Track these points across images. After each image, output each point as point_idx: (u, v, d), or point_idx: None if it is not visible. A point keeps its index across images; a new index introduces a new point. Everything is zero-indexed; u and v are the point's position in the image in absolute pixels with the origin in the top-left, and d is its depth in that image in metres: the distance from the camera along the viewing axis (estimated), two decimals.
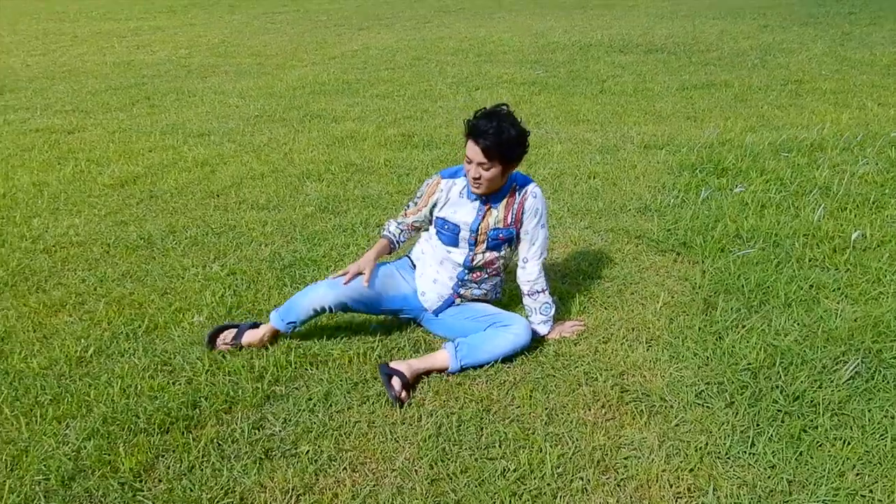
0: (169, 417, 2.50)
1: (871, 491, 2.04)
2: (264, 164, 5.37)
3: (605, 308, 3.12)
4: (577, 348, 2.83)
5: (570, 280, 3.40)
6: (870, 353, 2.65)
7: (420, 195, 2.83)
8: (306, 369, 2.77)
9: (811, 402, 2.40)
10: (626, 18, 13.09)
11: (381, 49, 10.58)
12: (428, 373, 2.70)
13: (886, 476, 2.09)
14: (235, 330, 2.91)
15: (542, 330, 2.84)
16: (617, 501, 2.07)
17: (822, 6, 13.86)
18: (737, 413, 2.38)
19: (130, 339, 3.04)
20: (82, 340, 3.02)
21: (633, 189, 4.56)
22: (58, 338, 3.07)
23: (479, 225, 2.75)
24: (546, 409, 2.48)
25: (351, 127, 6.33)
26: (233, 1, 18.67)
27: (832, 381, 2.50)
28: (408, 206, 2.89)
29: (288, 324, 2.82)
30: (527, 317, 2.85)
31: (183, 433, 2.43)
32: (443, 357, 2.70)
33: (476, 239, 2.78)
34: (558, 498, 2.09)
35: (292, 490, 2.17)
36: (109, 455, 2.33)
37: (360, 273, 2.76)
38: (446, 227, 2.80)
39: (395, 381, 2.57)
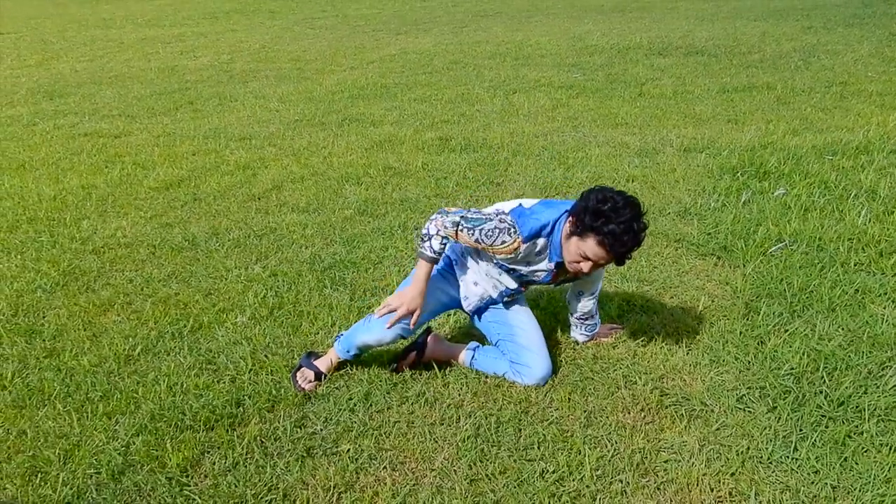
0: (214, 415, 2.56)
1: None
2: (304, 167, 5.45)
3: (645, 312, 3.11)
4: (616, 351, 2.82)
5: (609, 283, 3.39)
6: None
7: (489, 238, 2.37)
8: (347, 370, 2.81)
9: (856, 407, 2.37)
10: (665, 21, 12.97)
11: (418, 53, 10.65)
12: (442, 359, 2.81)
13: None
14: (311, 372, 2.75)
15: (581, 339, 2.87)
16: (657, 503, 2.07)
17: (869, 6, 13.56)
18: (779, 418, 2.36)
19: (176, 339, 3.11)
20: (130, 339, 3.11)
21: (673, 192, 4.52)
22: (107, 336, 3.16)
23: (549, 281, 2.59)
24: (585, 411, 2.49)
25: (389, 131, 6.38)
26: (273, 7, 18.95)
27: (878, 387, 2.46)
28: (461, 228, 2.41)
29: (352, 354, 2.74)
30: (568, 325, 2.88)
31: (227, 430, 2.49)
32: (461, 357, 2.81)
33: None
34: (597, 500, 2.09)
35: (334, 488, 2.21)
36: (157, 451, 2.40)
37: (409, 314, 2.50)
38: (512, 271, 2.59)
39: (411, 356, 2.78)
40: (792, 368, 2.58)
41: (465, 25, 13.82)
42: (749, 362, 2.67)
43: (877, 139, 5.19)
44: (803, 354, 2.66)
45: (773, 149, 5.14)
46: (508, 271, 2.59)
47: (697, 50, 9.69)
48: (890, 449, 2.18)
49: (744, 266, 3.41)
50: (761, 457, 2.21)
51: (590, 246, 2.24)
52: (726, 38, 10.51)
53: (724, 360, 2.71)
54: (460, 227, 2.41)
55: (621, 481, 2.16)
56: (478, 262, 2.65)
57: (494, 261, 2.56)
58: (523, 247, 2.39)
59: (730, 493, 2.09)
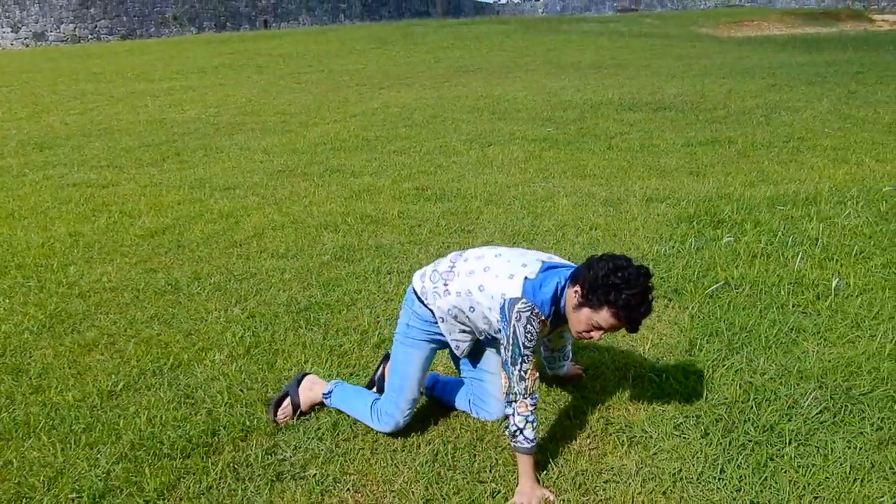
0: (190, 444, 2.75)
1: None
2: (285, 215, 5.71)
3: (597, 349, 3.34)
4: (568, 386, 3.04)
5: None
6: (839, 389, 2.83)
7: (532, 340, 2.32)
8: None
9: (779, 433, 2.59)
10: (637, 78, 13.52)
11: (400, 107, 11.04)
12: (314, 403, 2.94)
13: (842, 499, 2.27)
14: (290, 407, 2.89)
15: (553, 371, 2.93)
16: None
17: (831, 66, 14.20)
18: (710, 443, 2.58)
19: (157, 375, 3.30)
20: (113, 376, 3.30)
21: (632, 240, 4.80)
22: (90, 374, 3.34)
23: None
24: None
25: (368, 181, 6.67)
26: (261, 62, 19.47)
27: (800, 415, 2.69)
28: (523, 367, 2.33)
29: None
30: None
31: (203, 458, 2.67)
32: (325, 388, 2.93)
33: None
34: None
35: None
36: (136, 477, 2.58)
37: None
38: None
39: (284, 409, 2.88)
40: (725, 399, 2.82)
41: (446, 80, 14.31)
42: (688, 394, 2.90)
43: (825, 191, 5.52)
44: (737, 386, 2.90)
45: (729, 199, 5.46)
46: None
47: (665, 106, 10.14)
48: (806, 469, 2.41)
49: (691, 307, 3.66)
50: (691, 477, 2.42)
51: (604, 318, 2.21)
52: (694, 95, 11.00)
53: (665, 391, 2.93)
54: (524, 370, 2.33)
55: (564, 500, 2.36)
56: (467, 323, 2.56)
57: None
58: (548, 322, 2.38)
59: None
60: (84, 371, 3.38)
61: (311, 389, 2.93)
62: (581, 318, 2.27)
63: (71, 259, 4.90)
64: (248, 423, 2.87)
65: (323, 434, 2.79)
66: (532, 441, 2.36)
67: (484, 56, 19.18)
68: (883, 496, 2.27)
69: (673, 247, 4.54)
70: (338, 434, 2.79)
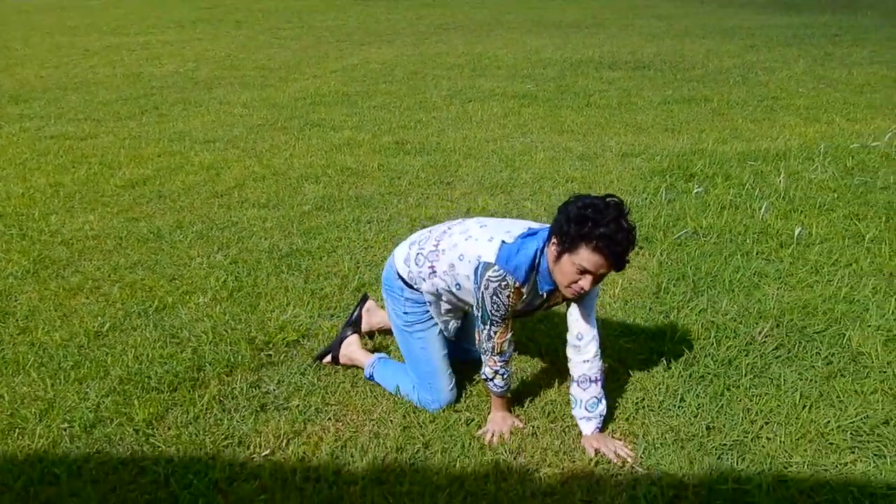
0: (177, 379, 2.86)
1: (773, 433, 2.40)
2: (266, 167, 5.75)
3: None
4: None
5: None
6: (794, 328, 3.00)
7: (501, 307, 2.26)
8: (299, 341, 3.12)
9: (737, 366, 2.76)
10: (618, 37, 13.52)
11: (380, 63, 11.00)
12: (353, 363, 2.91)
13: (790, 423, 2.44)
14: (329, 355, 2.94)
15: (585, 428, 2.42)
16: (561, 443, 2.42)
17: (809, 28, 14.28)
18: (672, 375, 2.73)
19: (142, 317, 3.39)
20: (99, 318, 3.38)
21: (607, 191, 4.88)
22: (77, 316, 3.42)
23: (540, 306, 2.47)
24: None
25: (348, 135, 6.71)
26: (239, 17, 19.15)
27: (757, 350, 2.85)
28: (492, 331, 2.31)
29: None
30: (571, 407, 2.47)
31: (189, 391, 2.78)
32: (368, 361, 2.85)
33: None
34: (512, 441, 2.44)
35: (283, 435, 2.52)
36: (125, 408, 2.69)
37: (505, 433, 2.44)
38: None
39: (328, 357, 2.92)
40: (688, 336, 2.97)
41: (426, 37, 14.21)
42: (654, 334, 3.05)
43: (795, 147, 5.67)
44: (700, 325, 3.05)
45: (702, 154, 5.59)
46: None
47: (644, 65, 10.21)
48: (759, 398, 2.57)
49: (660, 254, 3.81)
50: (653, 406, 2.58)
51: (584, 257, 2.09)
52: (673, 55, 11.06)
53: (632, 331, 3.08)
54: (493, 333, 2.31)
55: (534, 425, 2.51)
56: (454, 301, 2.53)
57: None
58: (525, 289, 2.27)
59: (624, 434, 2.46)
60: (70, 313, 3.46)
61: (349, 346, 2.91)
62: (564, 269, 2.15)
63: (52, 208, 4.94)
64: (232, 359, 2.98)
65: (305, 369, 2.91)
66: (503, 387, 2.42)
67: (465, 13, 19.01)
68: (828, 421, 2.44)
69: (646, 198, 4.67)
70: (320, 370, 2.91)
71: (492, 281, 2.22)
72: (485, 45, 12.87)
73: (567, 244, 2.11)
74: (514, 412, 2.57)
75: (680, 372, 2.75)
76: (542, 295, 2.36)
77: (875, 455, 2.30)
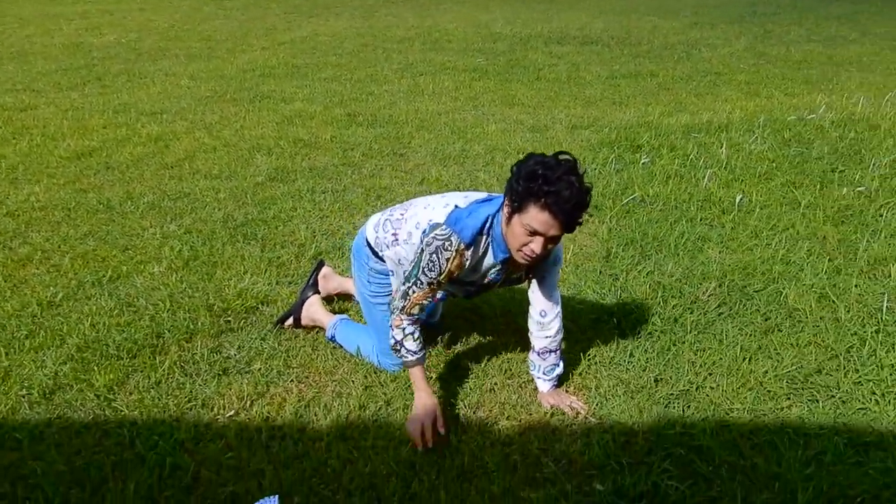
0: (136, 346, 2.86)
1: (716, 383, 2.55)
2: (216, 139, 5.69)
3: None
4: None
5: None
6: (736, 287, 3.17)
7: (435, 267, 2.19)
8: (258, 308, 3.15)
9: (682, 323, 2.91)
10: (567, 12, 13.65)
11: (329, 36, 10.89)
12: (314, 324, 2.97)
13: (731, 373, 2.60)
14: (290, 318, 2.96)
15: (541, 386, 2.50)
16: (519, 398, 2.52)
17: (751, 6, 14.66)
18: (622, 333, 2.86)
19: (96, 287, 3.36)
20: (51, 288, 3.34)
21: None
22: (28, 286, 3.37)
23: (498, 283, 2.40)
24: (466, 336, 2.92)
25: (299, 107, 6.67)
26: None
27: (701, 308, 3.01)
28: (412, 292, 2.24)
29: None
30: (528, 367, 2.55)
31: (149, 357, 2.79)
32: (329, 322, 2.88)
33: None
34: (471, 394, 2.53)
35: (247, 397, 2.56)
36: (85, 375, 2.68)
37: (433, 428, 2.26)
38: (464, 290, 2.43)
39: (289, 321, 2.96)
40: (637, 297, 3.11)
41: (376, 10, 14.10)
42: (604, 294, 3.17)
43: (736, 120, 5.87)
44: (647, 287, 3.19)
45: (648, 127, 5.75)
46: (458, 291, 2.42)
47: (593, 40, 10.36)
48: (703, 352, 2.72)
49: (609, 221, 3.94)
50: (604, 361, 2.70)
51: (533, 216, 1.99)
52: (620, 30, 11.24)
53: (583, 293, 3.20)
54: (410, 292, 2.23)
55: (493, 381, 2.61)
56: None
57: (447, 290, 2.34)
58: (468, 253, 2.20)
59: (578, 388, 2.57)
60: (20, 283, 3.40)
61: (311, 307, 2.95)
62: (514, 231, 2.06)
63: None
64: (191, 326, 2.99)
65: (266, 335, 2.94)
66: (416, 353, 2.27)
67: None
68: (766, 371, 2.61)
69: (595, 168, 4.80)
70: (280, 334, 2.95)
71: (437, 238, 2.16)
72: (435, 18, 12.84)
73: (517, 203, 2.02)
74: (439, 396, 2.43)
75: (629, 329, 2.88)
76: (496, 266, 2.27)
77: (809, 400, 2.47)
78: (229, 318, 3.06)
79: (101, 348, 2.84)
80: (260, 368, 2.73)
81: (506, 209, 2.10)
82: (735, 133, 5.50)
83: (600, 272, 3.37)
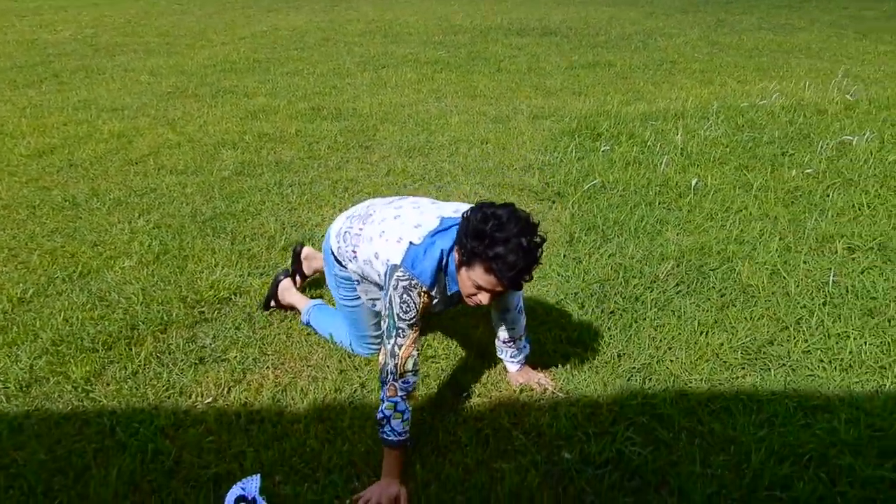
0: (111, 338, 2.89)
1: (675, 356, 2.68)
2: (180, 135, 5.68)
3: None
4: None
5: None
6: (693, 267, 3.31)
7: (409, 311, 2.10)
8: (231, 298, 3.20)
9: (643, 301, 3.04)
10: (525, 4, 13.79)
11: (290, 30, 10.85)
12: (291, 306, 3.04)
13: (690, 347, 2.74)
14: (272, 300, 3.06)
15: (510, 367, 2.59)
16: (489, 376, 2.63)
17: None
18: (586, 312, 2.99)
19: (67, 282, 3.38)
20: (20, 285, 3.34)
21: (520, 152, 5.15)
22: None
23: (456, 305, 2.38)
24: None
25: (263, 102, 6.67)
26: None
27: (661, 287, 3.14)
28: (397, 343, 2.10)
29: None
30: (496, 350, 2.60)
31: (125, 349, 2.83)
32: (304, 307, 2.95)
33: None
34: (443, 374, 2.63)
35: (224, 384, 2.63)
36: (61, 368, 2.71)
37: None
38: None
39: (272, 302, 3.06)
40: (599, 278, 3.23)
41: (335, 4, 14.07)
42: (568, 276, 3.29)
43: (691, 107, 6.05)
44: (609, 268, 3.32)
45: (607, 115, 5.89)
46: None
47: (552, 31, 10.50)
48: (663, 327, 2.86)
49: (571, 207, 4.06)
50: (570, 339, 2.82)
51: (479, 274, 1.96)
52: (578, 21, 11.41)
53: (548, 276, 3.32)
54: (397, 347, 2.09)
55: (464, 359, 2.70)
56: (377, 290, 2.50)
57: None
58: (434, 291, 2.16)
59: (544, 366, 2.69)
60: None
61: (285, 291, 3.03)
62: (463, 280, 2.04)
63: None
64: (166, 317, 3.03)
65: (240, 324, 3.00)
66: (400, 435, 2.08)
67: None
68: (722, 343, 2.75)
69: (557, 157, 4.92)
70: (254, 323, 3.01)
71: (401, 280, 2.10)
72: (395, 11, 12.87)
73: (465, 257, 1.98)
74: (407, 480, 2.15)
75: (593, 308, 3.00)
76: (456, 294, 2.21)
77: (762, 369, 2.62)
78: (203, 309, 3.11)
79: (76, 342, 2.87)
80: (236, 356, 2.79)
81: (456, 255, 2.06)
82: (690, 120, 5.68)
83: (564, 256, 3.49)
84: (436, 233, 2.16)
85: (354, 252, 2.39)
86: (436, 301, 2.20)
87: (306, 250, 3.21)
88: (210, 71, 8.09)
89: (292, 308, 3.03)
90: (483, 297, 2.03)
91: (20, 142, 5.53)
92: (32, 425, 2.42)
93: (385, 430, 2.08)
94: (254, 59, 8.68)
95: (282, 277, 3.06)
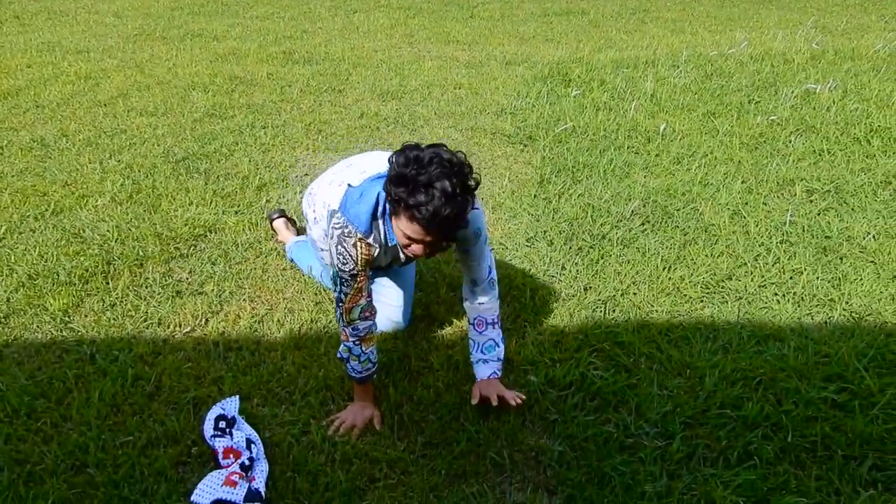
0: (87, 273, 2.93)
1: (638, 290, 2.80)
2: (149, 77, 5.61)
3: None
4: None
5: None
6: (658, 207, 3.42)
7: (347, 262, 1.97)
8: (206, 235, 3.24)
9: (609, 239, 3.14)
10: None
11: None
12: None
13: (653, 281, 2.85)
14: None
15: (479, 371, 2.20)
16: (461, 309, 2.72)
17: None
18: (555, 249, 3.08)
19: (40, 220, 3.38)
20: None
21: (493, 97, 5.18)
22: None
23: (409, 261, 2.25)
24: None
25: (233, 45, 6.58)
26: None
27: (625, 225, 3.25)
28: (342, 293, 2.02)
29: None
30: (469, 352, 2.25)
31: (102, 282, 2.87)
32: (288, 243, 3.03)
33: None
34: (417, 306, 2.71)
35: (202, 315, 2.69)
36: (38, 300, 2.75)
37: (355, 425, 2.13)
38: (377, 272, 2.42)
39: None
40: (568, 217, 3.32)
41: None
42: (538, 216, 3.38)
43: (662, 56, 6.11)
44: (578, 208, 3.41)
45: (579, 62, 5.93)
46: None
47: None
48: (627, 263, 2.97)
49: (542, 150, 4.13)
50: (538, 274, 2.92)
51: (405, 224, 1.77)
52: None
53: (519, 215, 3.40)
54: (343, 296, 2.02)
55: (437, 294, 2.79)
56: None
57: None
58: (371, 239, 1.97)
59: (512, 298, 2.78)
60: None
61: (277, 222, 3.16)
62: (395, 229, 1.85)
63: None
64: (141, 253, 3.07)
65: (216, 259, 3.05)
66: (360, 373, 2.10)
67: None
68: (683, 278, 2.87)
69: (529, 102, 4.97)
70: (230, 259, 3.06)
71: (335, 228, 1.95)
72: None
73: (392, 205, 1.81)
74: (379, 404, 2.21)
75: (561, 246, 3.10)
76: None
77: (720, 302, 2.75)
78: (178, 245, 3.15)
79: (52, 276, 2.90)
80: (213, 289, 2.84)
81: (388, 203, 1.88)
82: (661, 68, 5.74)
83: (535, 196, 3.57)
84: (379, 177, 1.99)
85: (314, 213, 2.33)
86: (376, 252, 2.01)
87: (279, 222, 3.20)
88: (177, 13, 7.93)
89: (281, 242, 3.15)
90: (417, 249, 1.83)
91: None
92: (12, 353, 2.46)
93: (348, 368, 2.12)
94: (222, 2, 8.52)
95: (275, 216, 3.17)
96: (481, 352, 2.20)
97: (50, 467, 2.00)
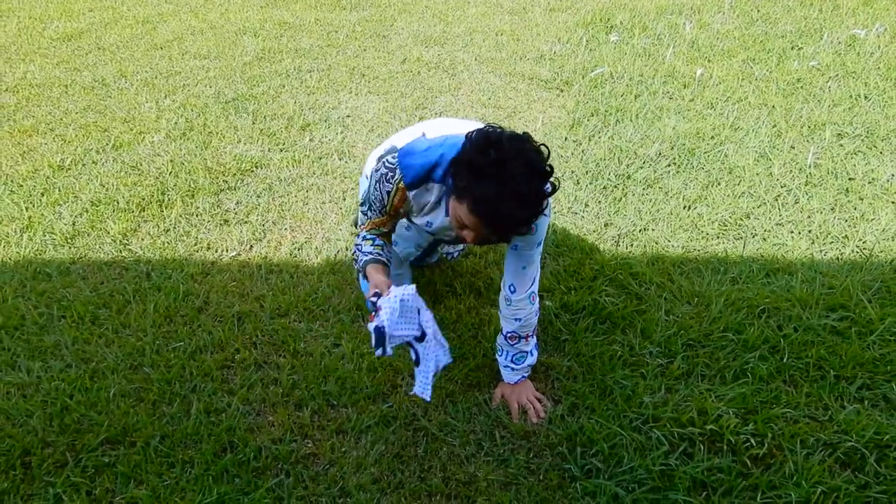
0: (144, 201, 3.19)
1: (656, 226, 2.92)
2: (203, 21, 5.82)
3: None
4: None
5: (471, 110, 4.13)
6: (684, 150, 3.49)
7: (378, 197, 1.89)
8: (253, 170, 3.46)
9: (633, 179, 3.25)
10: None
11: None
12: None
13: (672, 219, 2.96)
14: None
15: (507, 376, 2.13)
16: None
17: None
18: (580, 188, 3.21)
19: (101, 153, 3.65)
20: (59, 155, 3.63)
21: (534, 43, 5.24)
22: (37, 152, 3.66)
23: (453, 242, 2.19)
24: None
25: None
26: None
27: (651, 167, 3.34)
28: (368, 213, 1.98)
29: None
30: (496, 353, 2.16)
31: (157, 210, 3.12)
32: None
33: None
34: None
35: (247, 241, 2.92)
36: (100, 224, 3.02)
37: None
38: (412, 229, 2.24)
39: None
40: (595, 158, 3.43)
41: None
42: (567, 157, 3.50)
43: (708, 1, 6.03)
44: (606, 150, 3.51)
45: (623, 9, 5.91)
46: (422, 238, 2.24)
47: None
48: (649, 202, 3.08)
49: (577, 94, 4.21)
50: (563, 211, 3.05)
51: (464, 212, 1.62)
52: None
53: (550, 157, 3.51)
54: (369, 214, 1.96)
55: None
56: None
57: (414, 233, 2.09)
58: (411, 194, 1.86)
59: None
60: (30, 150, 3.68)
61: None
62: (451, 210, 1.72)
63: None
64: (193, 185, 3.31)
65: (261, 192, 3.27)
66: (369, 253, 1.95)
67: None
68: (702, 216, 2.97)
69: (569, 48, 5.01)
70: (274, 192, 3.28)
71: (384, 166, 1.85)
72: None
73: (456, 188, 1.65)
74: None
75: (587, 185, 3.22)
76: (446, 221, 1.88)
77: (735, 238, 2.85)
78: (227, 179, 3.38)
79: (113, 203, 3.17)
80: (257, 219, 3.07)
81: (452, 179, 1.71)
82: (706, 14, 5.68)
83: (565, 139, 3.68)
84: (453, 143, 1.77)
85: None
86: (412, 207, 1.92)
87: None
88: None
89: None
90: (468, 235, 1.71)
91: (49, 26, 5.71)
92: (78, 269, 2.74)
93: (358, 257, 1.98)
94: None
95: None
96: (511, 361, 2.10)
97: (111, 366, 2.27)
